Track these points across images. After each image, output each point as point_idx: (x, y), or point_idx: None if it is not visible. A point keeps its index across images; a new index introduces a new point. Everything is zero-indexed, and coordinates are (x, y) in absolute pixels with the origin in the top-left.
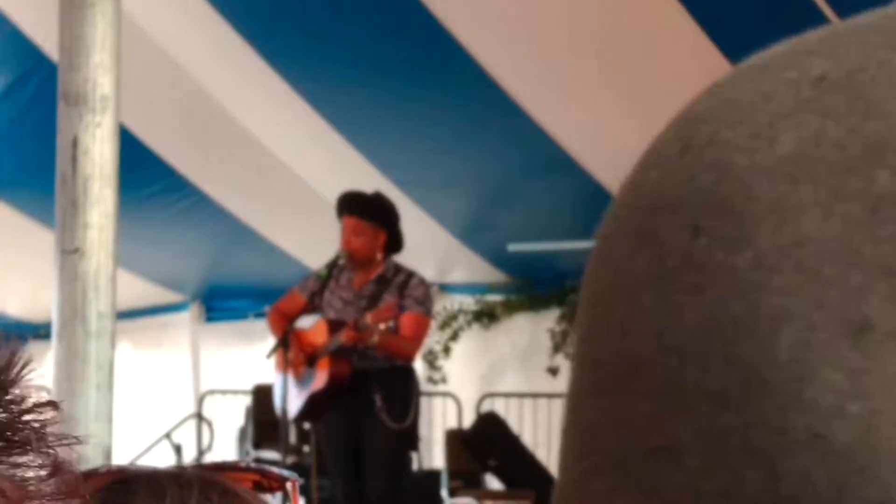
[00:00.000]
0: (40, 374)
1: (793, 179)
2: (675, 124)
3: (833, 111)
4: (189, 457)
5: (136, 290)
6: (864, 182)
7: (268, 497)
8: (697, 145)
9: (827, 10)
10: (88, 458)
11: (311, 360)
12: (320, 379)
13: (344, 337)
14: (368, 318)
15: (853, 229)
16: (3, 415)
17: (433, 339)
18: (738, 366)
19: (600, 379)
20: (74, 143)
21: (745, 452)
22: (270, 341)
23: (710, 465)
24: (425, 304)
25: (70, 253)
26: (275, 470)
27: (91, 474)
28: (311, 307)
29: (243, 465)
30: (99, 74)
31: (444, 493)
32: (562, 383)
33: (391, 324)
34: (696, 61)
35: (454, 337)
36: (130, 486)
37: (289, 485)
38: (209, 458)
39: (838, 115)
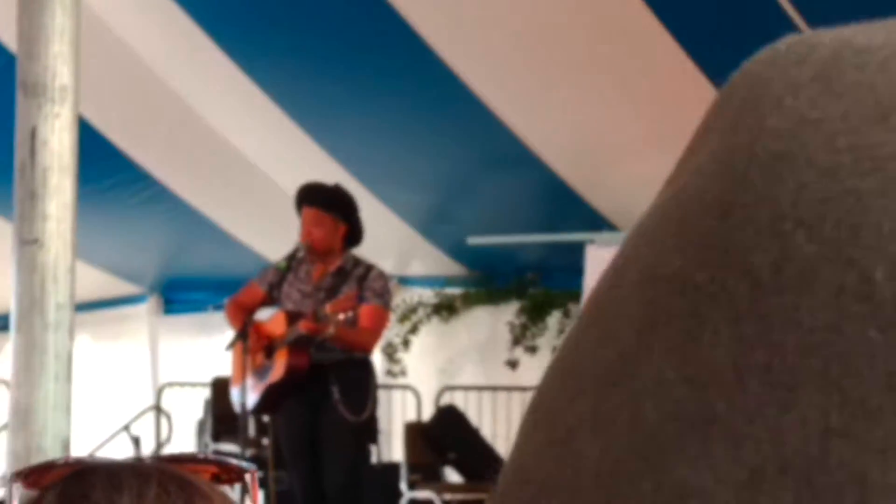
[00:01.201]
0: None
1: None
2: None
3: None
4: (148, 449)
5: (94, 281)
6: None
7: (226, 489)
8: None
9: (795, 16)
10: (47, 449)
11: (268, 350)
12: (278, 370)
13: (302, 326)
14: (328, 308)
15: None
16: None
17: (392, 331)
18: None
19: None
20: (33, 134)
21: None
22: (229, 333)
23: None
24: (384, 296)
25: (29, 244)
26: (233, 461)
27: (49, 466)
28: (270, 299)
29: (201, 456)
30: (58, 64)
31: (403, 486)
32: (521, 376)
33: (350, 315)
34: (658, 57)
35: (413, 330)
36: (88, 478)
37: (247, 476)
38: (168, 451)
39: None
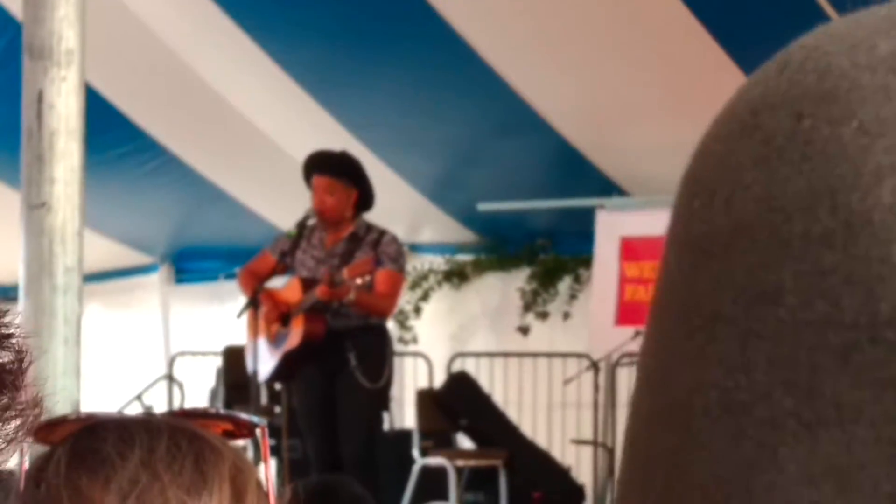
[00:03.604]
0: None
1: (894, 70)
2: (772, 60)
3: None
4: None
5: (105, 251)
6: None
7: (238, 443)
8: (797, 60)
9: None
10: (57, 414)
11: (284, 318)
12: (294, 337)
13: (319, 292)
14: (344, 272)
15: None
16: None
17: (404, 299)
18: (842, 211)
19: (701, 251)
20: (40, 98)
21: (846, 283)
22: (241, 302)
23: (811, 299)
24: (398, 260)
25: (36, 208)
26: (244, 416)
27: (60, 421)
28: (283, 267)
29: (212, 412)
30: (64, 28)
31: (415, 452)
32: (532, 342)
33: (367, 279)
34: (667, 21)
35: (424, 297)
36: (100, 433)
37: (258, 431)
38: None
39: None
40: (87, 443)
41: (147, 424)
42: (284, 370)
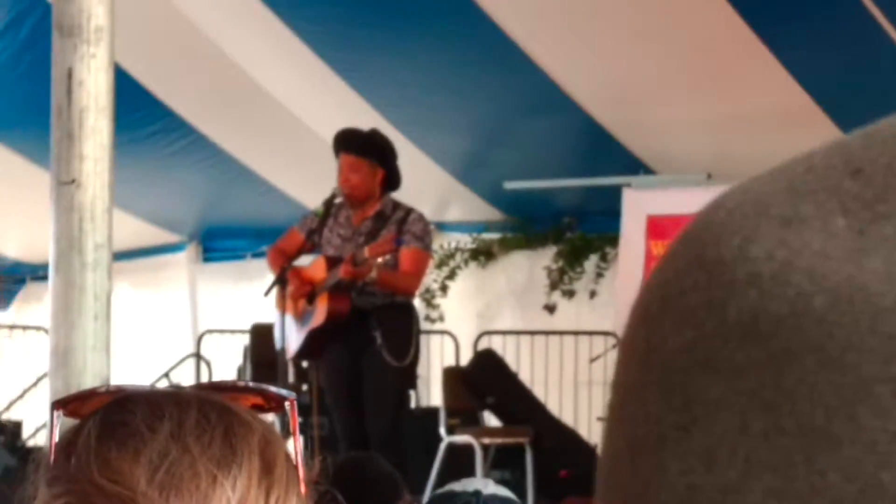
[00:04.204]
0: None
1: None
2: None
3: None
4: None
5: (133, 230)
6: None
7: (268, 416)
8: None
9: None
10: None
11: (310, 296)
12: (319, 315)
13: (342, 271)
14: (366, 251)
15: None
16: None
17: (430, 277)
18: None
19: None
20: (69, 75)
21: None
22: (268, 280)
23: None
24: (424, 239)
25: (66, 184)
26: (273, 389)
27: (90, 394)
28: (311, 245)
29: (241, 385)
30: (93, 5)
31: (442, 430)
32: (558, 320)
33: (389, 259)
34: (695, 1)
35: (451, 275)
36: (129, 406)
37: (287, 404)
38: None
39: None
40: (116, 416)
41: (176, 397)
42: (310, 347)
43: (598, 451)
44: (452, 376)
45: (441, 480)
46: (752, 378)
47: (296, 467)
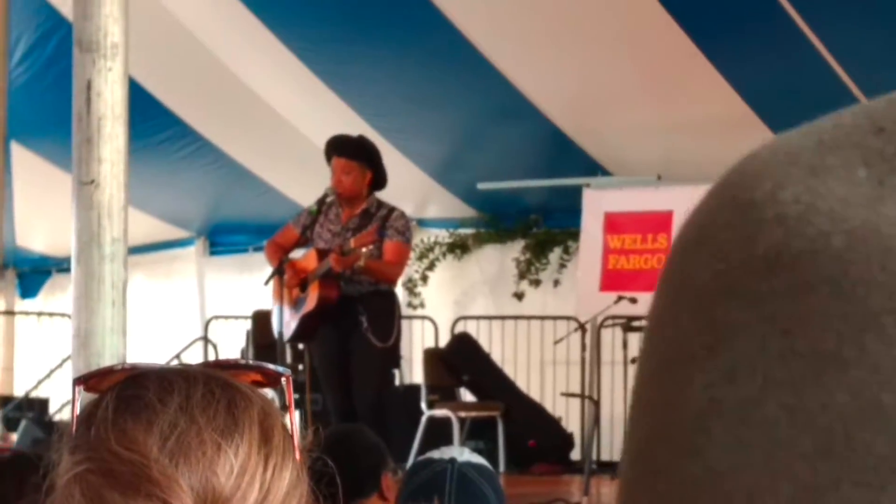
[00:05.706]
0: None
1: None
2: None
3: None
4: None
5: (147, 227)
6: None
7: (267, 392)
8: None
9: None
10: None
11: (303, 284)
12: (311, 301)
13: (332, 261)
14: (351, 242)
15: None
16: None
17: (412, 268)
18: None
19: None
20: (88, 86)
21: None
22: (268, 271)
23: None
24: (405, 233)
25: (86, 185)
26: (270, 366)
27: (108, 372)
28: (304, 239)
29: (243, 362)
30: (109, 24)
31: (423, 405)
32: (526, 306)
33: (373, 249)
34: (645, 16)
35: (431, 267)
36: (142, 381)
37: (283, 380)
38: None
39: None
40: (131, 390)
41: (184, 374)
42: (303, 330)
43: (562, 423)
44: (432, 357)
45: (422, 449)
46: (772, 305)
47: (291, 437)
